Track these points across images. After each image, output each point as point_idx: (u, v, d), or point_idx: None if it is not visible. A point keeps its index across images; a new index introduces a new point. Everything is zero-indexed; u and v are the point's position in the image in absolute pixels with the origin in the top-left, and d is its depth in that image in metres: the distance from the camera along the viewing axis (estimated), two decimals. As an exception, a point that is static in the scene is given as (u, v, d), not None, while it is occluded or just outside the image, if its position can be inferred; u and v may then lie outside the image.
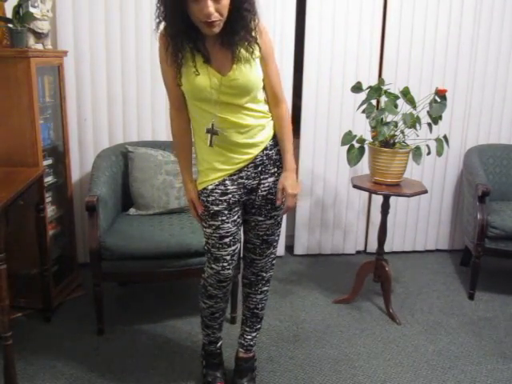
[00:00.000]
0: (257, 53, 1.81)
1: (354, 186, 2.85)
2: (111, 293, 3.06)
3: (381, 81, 2.78)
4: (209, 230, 1.98)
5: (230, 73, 1.78)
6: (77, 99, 3.17)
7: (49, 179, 2.85)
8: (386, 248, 3.26)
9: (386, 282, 2.93)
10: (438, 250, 3.91)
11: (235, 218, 1.98)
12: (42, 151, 2.68)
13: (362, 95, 2.78)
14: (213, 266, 2.01)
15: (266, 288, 2.20)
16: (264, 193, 1.98)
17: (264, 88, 1.92)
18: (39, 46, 2.71)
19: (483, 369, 2.46)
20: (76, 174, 3.26)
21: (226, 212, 1.94)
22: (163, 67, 1.86)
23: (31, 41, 2.65)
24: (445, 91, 2.67)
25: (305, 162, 3.57)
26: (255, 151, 1.92)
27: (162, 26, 1.75)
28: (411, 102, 2.70)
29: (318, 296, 3.15)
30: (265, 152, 1.95)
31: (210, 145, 1.86)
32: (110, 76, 3.18)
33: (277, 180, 1.98)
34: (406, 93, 2.71)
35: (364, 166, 3.38)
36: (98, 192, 2.69)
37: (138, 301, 3.03)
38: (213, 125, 1.84)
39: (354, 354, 2.55)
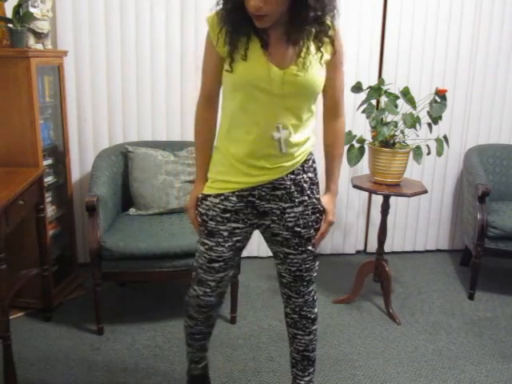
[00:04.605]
0: (326, 56, 1.65)
1: (354, 186, 2.85)
2: (111, 293, 3.06)
3: (381, 81, 2.78)
4: (201, 248, 1.74)
5: (292, 67, 1.58)
6: (77, 99, 3.17)
7: (49, 179, 2.85)
8: (386, 248, 3.26)
9: (385, 281, 2.93)
10: (438, 250, 3.91)
11: (234, 242, 1.72)
12: (41, 151, 2.67)
13: (362, 95, 2.78)
14: (195, 287, 1.80)
15: (314, 327, 1.96)
16: (290, 224, 1.72)
17: (324, 97, 1.79)
18: (39, 46, 2.71)
19: (483, 369, 2.46)
20: (76, 173, 3.26)
21: (225, 234, 1.69)
22: (208, 49, 1.64)
23: (31, 41, 2.65)
24: (445, 91, 2.67)
25: (305, 162, 3.57)
26: (277, 174, 1.67)
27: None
28: (411, 102, 2.70)
29: (318, 296, 3.14)
30: (290, 176, 1.70)
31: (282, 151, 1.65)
32: (109, 76, 3.18)
33: (305, 210, 1.73)
34: (405, 93, 2.71)
35: (364, 166, 3.37)
36: (98, 192, 2.69)
37: (138, 301, 3.02)
38: (278, 127, 1.63)
39: (354, 354, 2.56)
